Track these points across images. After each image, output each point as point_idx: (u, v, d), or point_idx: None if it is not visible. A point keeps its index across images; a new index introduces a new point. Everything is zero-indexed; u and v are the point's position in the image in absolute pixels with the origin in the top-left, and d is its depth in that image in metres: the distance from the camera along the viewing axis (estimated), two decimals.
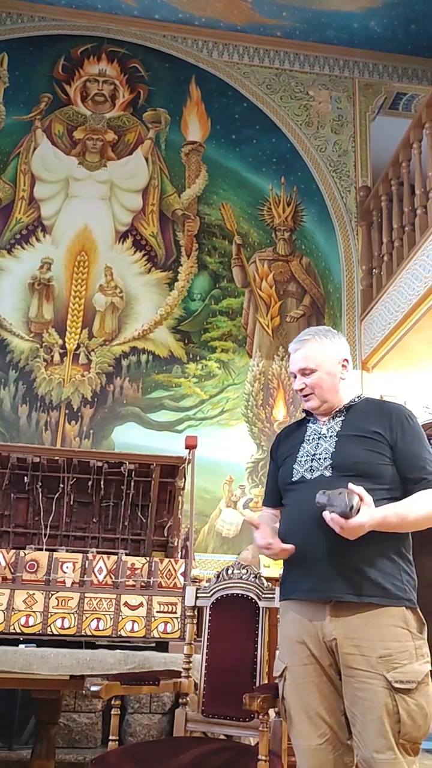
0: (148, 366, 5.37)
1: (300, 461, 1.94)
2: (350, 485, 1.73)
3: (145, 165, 5.88)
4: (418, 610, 1.80)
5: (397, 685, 1.68)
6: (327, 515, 1.71)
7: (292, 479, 1.94)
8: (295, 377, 2.03)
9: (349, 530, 1.70)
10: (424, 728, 1.70)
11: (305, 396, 2.00)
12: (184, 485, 3.63)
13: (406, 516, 1.77)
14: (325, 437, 1.94)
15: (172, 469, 3.58)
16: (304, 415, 2.11)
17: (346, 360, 2.03)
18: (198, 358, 5.44)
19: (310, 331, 2.07)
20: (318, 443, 1.94)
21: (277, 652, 1.98)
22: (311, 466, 1.91)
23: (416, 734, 1.69)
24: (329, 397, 1.98)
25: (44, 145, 5.81)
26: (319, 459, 1.90)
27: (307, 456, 1.93)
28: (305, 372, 1.99)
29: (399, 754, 1.66)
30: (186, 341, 5.47)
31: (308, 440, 1.97)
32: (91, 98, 6.00)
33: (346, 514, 1.69)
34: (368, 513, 1.71)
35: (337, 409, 1.99)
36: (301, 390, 2.01)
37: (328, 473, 1.86)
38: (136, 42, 6.13)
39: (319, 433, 1.96)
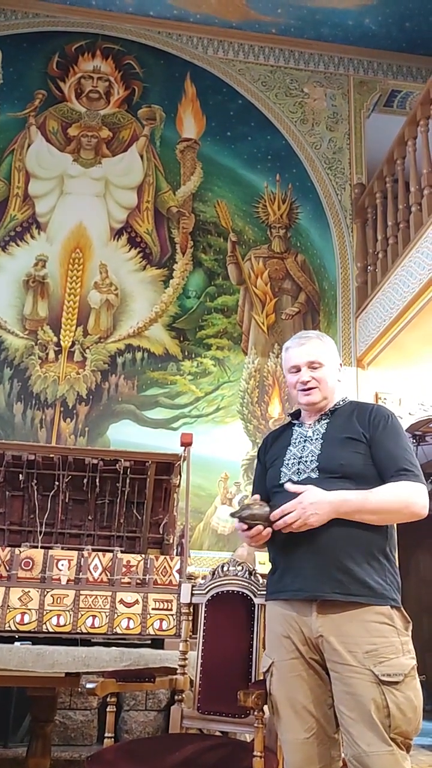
0: (143, 363, 5.36)
1: (287, 464, 1.97)
2: (288, 485, 1.85)
3: (140, 162, 5.87)
4: (403, 609, 1.83)
5: (384, 678, 1.69)
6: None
7: (280, 481, 1.96)
8: (296, 371, 2.03)
9: (307, 506, 1.77)
10: (415, 722, 1.71)
11: (309, 390, 2.00)
12: (180, 482, 3.63)
13: (366, 497, 1.79)
14: (311, 440, 1.97)
15: (168, 466, 3.58)
16: (289, 419, 2.14)
17: (341, 364, 2.12)
18: (193, 356, 5.44)
19: (311, 332, 2.11)
20: (304, 446, 1.98)
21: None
22: (298, 469, 1.94)
23: (407, 728, 1.69)
24: (329, 394, 2.02)
25: (39, 142, 5.79)
26: (306, 461, 1.93)
27: (294, 459, 1.96)
28: (314, 365, 2.01)
29: (392, 746, 1.67)
30: (181, 339, 5.47)
31: (294, 443, 2.01)
32: (85, 95, 5.98)
33: (268, 519, 1.81)
34: (318, 490, 1.80)
35: (323, 413, 2.02)
36: (306, 383, 2.00)
37: (314, 475, 1.89)
38: (131, 38, 6.12)
39: (305, 436, 2.00)
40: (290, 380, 2.06)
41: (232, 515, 1.86)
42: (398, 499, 1.81)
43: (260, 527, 1.82)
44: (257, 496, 1.93)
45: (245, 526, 1.83)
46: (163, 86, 6.07)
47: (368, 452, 1.89)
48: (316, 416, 2.02)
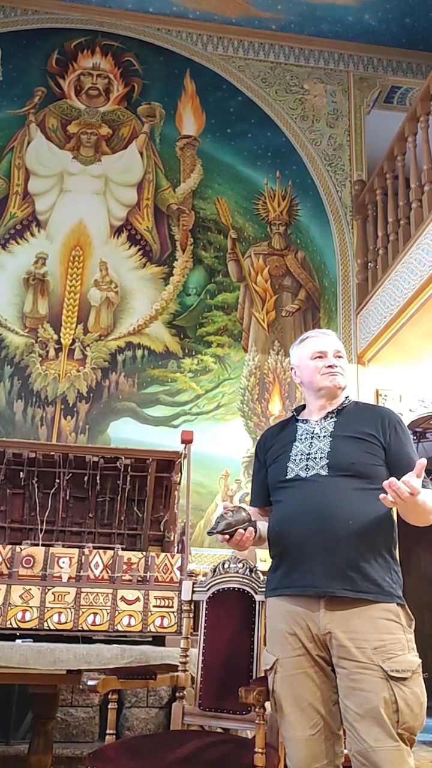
0: (143, 361, 5.36)
1: (294, 460, 1.96)
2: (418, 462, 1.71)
3: (139, 159, 5.86)
4: (407, 607, 1.84)
5: (394, 674, 1.71)
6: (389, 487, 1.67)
7: (287, 477, 1.96)
8: (321, 357, 2.04)
9: (411, 489, 1.66)
10: (420, 718, 1.73)
11: (336, 373, 2.02)
12: (180, 480, 3.63)
13: (425, 502, 1.77)
14: (319, 437, 1.97)
15: (168, 464, 3.59)
16: (292, 414, 2.15)
17: None
18: (193, 353, 5.44)
19: (326, 330, 2.18)
20: (311, 443, 1.97)
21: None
22: (306, 465, 1.93)
23: (414, 723, 1.71)
24: (346, 384, 2.06)
25: (38, 140, 5.79)
26: (315, 458, 1.93)
27: (302, 455, 1.96)
28: (338, 354, 2.07)
29: (398, 742, 1.68)
30: (181, 336, 5.46)
31: (300, 439, 2.00)
32: (85, 92, 5.97)
33: (247, 520, 1.87)
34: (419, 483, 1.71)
35: (329, 411, 2.02)
36: (334, 365, 2.03)
37: (324, 472, 1.89)
38: (130, 35, 6.10)
39: (312, 433, 1.99)
40: (313, 365, 2.04)
41: (210, 533, 1.89)
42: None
43: (241, 531, 1.86)
44: (227, 503, 1.95)
45: (228, 537, 1.87)
46: (162, 83, 6.06)
47: (378, 453, 1.91)
48: (322, 413, 2.02)
